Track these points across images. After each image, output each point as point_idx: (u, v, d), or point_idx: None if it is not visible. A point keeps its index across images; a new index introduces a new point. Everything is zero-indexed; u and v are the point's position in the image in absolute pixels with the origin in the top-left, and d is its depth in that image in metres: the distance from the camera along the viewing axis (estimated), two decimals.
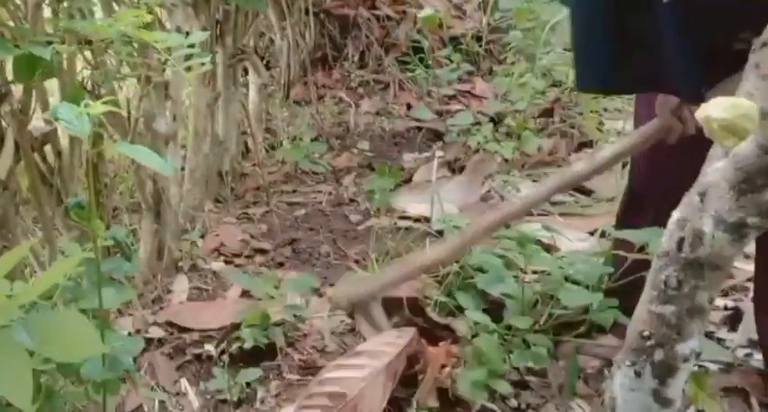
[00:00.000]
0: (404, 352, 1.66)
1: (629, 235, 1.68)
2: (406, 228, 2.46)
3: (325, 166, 3.01)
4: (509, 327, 1.73)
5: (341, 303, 1.83)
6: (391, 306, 1.82)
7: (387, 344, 1.69)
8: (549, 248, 2.14)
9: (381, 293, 1.81)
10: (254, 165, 2.91)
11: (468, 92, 3.80)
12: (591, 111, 3.22)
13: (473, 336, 1.70)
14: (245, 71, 2.98)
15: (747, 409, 1.62)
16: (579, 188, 2.78)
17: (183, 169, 2.41)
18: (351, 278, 2.15)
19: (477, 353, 1.61)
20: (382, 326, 1.77)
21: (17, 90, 1.72)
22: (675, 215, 1.04)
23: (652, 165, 1.68)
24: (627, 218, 1.76)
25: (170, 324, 1.91)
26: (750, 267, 1.76)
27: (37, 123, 1.85)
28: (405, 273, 1.83)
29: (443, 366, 1.66)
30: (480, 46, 4.01)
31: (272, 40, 3.71)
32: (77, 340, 0.66)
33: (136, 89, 2.17)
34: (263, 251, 2.37)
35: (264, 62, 3.44)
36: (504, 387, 1.60)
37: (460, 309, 1.81)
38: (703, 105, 0.98)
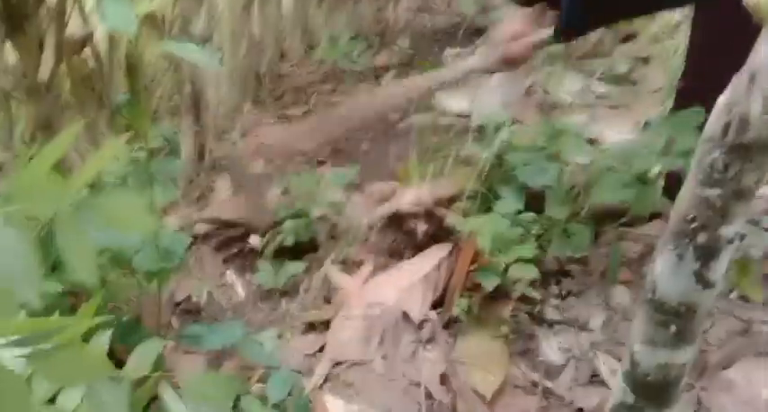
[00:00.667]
0: (443, 263, 1.68)
1: (658, 128, 1.65)
2: (448, 125, 2.43)
3: (364, 65, 2.96)
4: (550, 218, 1.73)
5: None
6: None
7: (425, 257, 1.71)
8: (593, 140, 2.10)
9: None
10: (292, 65, 2.88)
11: None
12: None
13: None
14: None
15: None
16: (626, 79, 2.71)
17: (220, 68, 2.40)
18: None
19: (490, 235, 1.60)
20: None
21: None
22: (721, 99, 1.01)
23: (702, 54, 1.64)
24: (680, 102, 1.73)
25: (214, 220, 1.95)
26: None
27: (76, 28, 1.85)
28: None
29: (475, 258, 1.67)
30: None
31: None
32: (129, 217, 0.68)
33: None
34: (303, 151, 2.38)
35: None
36: (530, 271, 1.58)
37: None
38: None
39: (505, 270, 1.59)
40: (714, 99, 1.42)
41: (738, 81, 0.98)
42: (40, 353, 0.61)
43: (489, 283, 1.57)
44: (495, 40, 1.60)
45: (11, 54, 1.67)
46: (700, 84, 1.67)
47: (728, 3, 1.51)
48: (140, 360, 0.83)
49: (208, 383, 0.98)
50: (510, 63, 1.63)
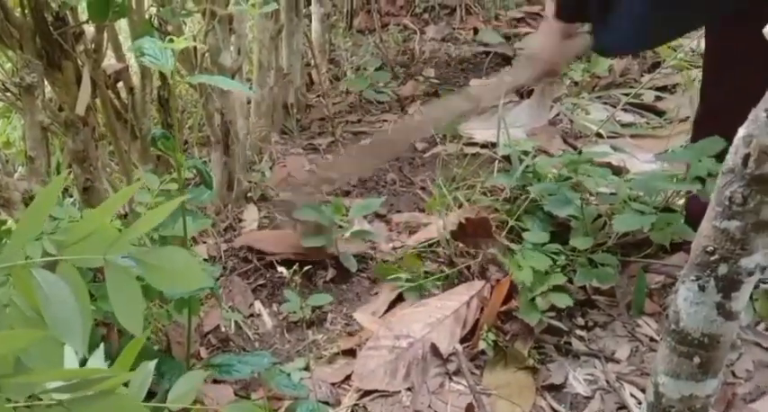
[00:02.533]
0: (473, 300, 1.70)
1: (678, 155, 1.66)
2: (473, 155, 2.45)
3: (389, 95, 3.00)
4: (574, 249, 1.74)
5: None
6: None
7: (455, 294, 1.73)
8: (618, 170, 2.11)
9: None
10: (318, 96, 2.93)
11: (537, 14, 3.69)
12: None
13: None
14: (308, 2, 2.97)
15: None
16: (651, 109, 2.72)
17: (249, 102, 2.45)
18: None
19: (529, 271, 1.62)
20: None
21: (89, 29, 1.78)
22: (741, 132, 1.02)
23: (718, 80, 1.65)
24: (698, 133, 1.74)
25: (243, 249, 1.99)
26: None
27: (109, 61, 1.92)
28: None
29: (510, 294, 1.68)
30: None
31: None
32: (181, 273, 0.71)
33: (201, 24, 2.21)
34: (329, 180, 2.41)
35: None
36: (564, 300, 1.60)
37: None
38: None
39: (532, 299, 1.61)
40: (729, 128, 1.43)
41: (757, 114, 1.00)
42: (81, 400, 0.63)
43: (532, 320, 1.59)
44: (528, 53, 1.63)
45: (48, 89, 1.73)
46: (714, 114, 1.69)
47: (741, 33, 1.54)
48: (181, 392, 0.85)
49: None
50: (546, 75, 1.65)
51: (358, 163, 1.93)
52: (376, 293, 1.86)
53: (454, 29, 3.63)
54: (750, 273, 1.05)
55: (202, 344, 1.65)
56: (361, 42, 3.40)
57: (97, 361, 0.89)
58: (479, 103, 1.78)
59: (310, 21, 2.99)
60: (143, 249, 0.74)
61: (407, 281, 1.81)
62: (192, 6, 2.19)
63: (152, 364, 0.84)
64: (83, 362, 0.81)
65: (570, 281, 1.69)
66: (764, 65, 1.45)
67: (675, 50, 3.02)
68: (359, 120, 2.87)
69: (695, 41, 2.99)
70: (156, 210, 0.73)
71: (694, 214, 1.66)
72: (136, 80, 1.98)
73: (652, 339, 1.62)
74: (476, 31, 3.59)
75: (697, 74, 2.67)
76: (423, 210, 2.22)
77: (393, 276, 1.83)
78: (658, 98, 2.76)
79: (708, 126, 1.70)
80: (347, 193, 2.35)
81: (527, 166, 1.99)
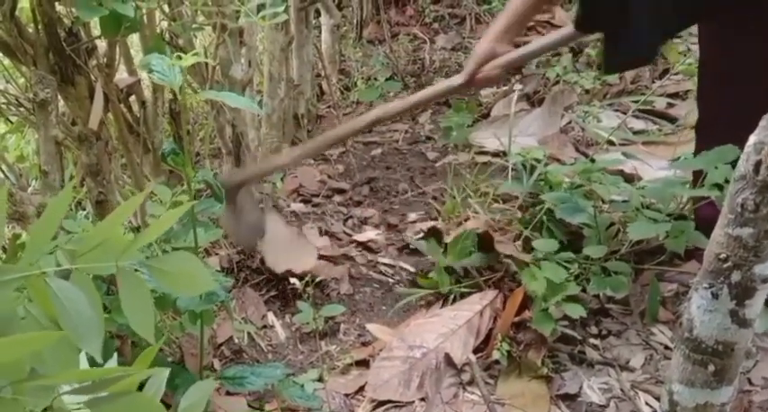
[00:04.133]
0: (486, 310, 1.69)
1: (692, 162, 1.66)
2: (484, 163, 2.45)
3: None
4: (587, 257, 1.73)
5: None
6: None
7: (468, 303, 1.73)
8: (630, 177, 2.10)
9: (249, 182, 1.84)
10: (329, 106, 2.94)
11: (548, 22, 3.69)
12: (674, 37, 3.09)
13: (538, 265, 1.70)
14: (318, 13, 2.99)
15: None
16: (663, 116, 2.71)
17: (261, 111, 2.46)
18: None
19: (543, 281, 1.62)
20: (245, 208, 1.79)
21: (102, 44, 1.79)
22: (752, 139, 1.01)
23: (718, 88, 1.65)
24: (700, 141, 1.73)
25: (256, 260, 1.99)
26: None
27: (121, 75, 1.93)
28: (267, 168, 1.90)
29: (523, 304, 1.68)
30: None
31: None
32: (192, 277, 0.73)
33: (211, 37, 2.22)
34: (341, 191, 2.42)
35: (336, 2, 3.43)
36: (578, 310, 1.60)
37: None
38: None
39: (545, 309, 1.60)
40: (727, 137, 1.43)
41: (767, 122, 0.99)
42: (100, 401, 0.64)
43: (546, 329, 1.58)
44: (469, 62, 1.64)
45: (61, 104, 1.75)
46: (712, 124, 1.68)
47: (737, 45, 1.54)
48: (192, 402, 0.85)
49: None
50: (477, 84, 1.67)
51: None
52: (390, 303, 1.86)
53: (464, 38, 3.64)
54: (764, 280, 1.05)
55: (216, 355, 1.65)
56: (372, 53, 3.41)
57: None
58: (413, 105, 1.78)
59: (320, 32, 3.01)
60: (153, 256, 0.75)
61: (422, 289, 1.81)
62: (202, 20, 2.21)
63: (166, 370, 0.84)
64: None
65: (584, 289, 1.68)
66: (759, 77, 1.47)
67: (685, 55, 3.01)
68: (370, 131, 2.87)
69: None
70: (165, 216, 0.74)
71: (704, 221, 1.65)
72: (148, 94, 2.00)
73: (666, 347, 1.61)
74: None
75: None
76: (435, 219, 2.22)
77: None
78: (670, 105, 2.75)
79: (706, 135, 1.70)
80: (359, 203, 2.36)
81: (539, 174, 1.98)
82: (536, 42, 1.68)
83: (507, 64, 1.64)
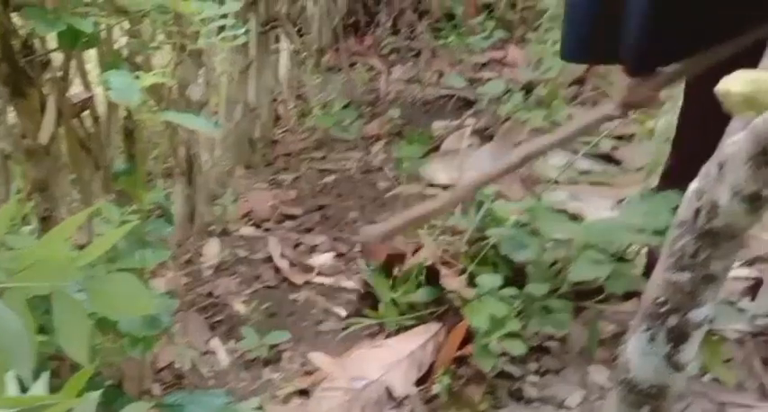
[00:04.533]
0: (429, 343, 1.71)
1: (637, 207, 1.71)
2: (434, 196, 2.48)
3: (354, 134, 3.04)
4: (530, 294, 1.76)
5: (369, 239, 1.84)
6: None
7: (412, 335, 1.74)
8: (574, 217, 2.15)
9: (399, 231, 1.84)
10: (284, 131, 2.95)
11: (501, 60, 3.78)
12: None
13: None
14: (278, 38, 3.01)
15: (763, 375, 1.64)
16: (608, 157, 2.79)
17: (217, 133, 2.46)
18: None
19: (486, 317, 1.64)
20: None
21: (57, 58, 1.77)
22: (693, 186, 1.06)
23: (698, 133, 1.68)
24: (666, 184, 1.77)
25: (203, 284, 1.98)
26: None
27: (76, 91, 1.91)
28: (416, 217, 1.85)
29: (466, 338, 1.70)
30: (514, 13, 3.98)
31: (304, 7, 3.72)
32: (131, 299, 0.72)
33: (170, 57, 2.22)
34: (292, 217, 2.42)
35: (297, 29, 3.46)
36: (518, 347, 1.62)
37: None
38: (724, 79, 1.00)
39: (486, 345, 1.62)
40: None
41: (709, 168, 1.04)
42: None
43: (486, 365, 1.60)
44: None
45: (11, 116, 1.72)
46: (688, 165, 1.72)
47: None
48: None
49: None
50: (632, 106, 1.61)
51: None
52: (335, 332, 1.86)
53: (419, 71, 3.70)
54: (699, 326, 1.09)
55: (156, 380, 1.63)
56: (329, 80, 3.44)
57: (39, 390, 0.88)
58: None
59: (280, 57, 3.02)
60: (92, 276, 0.74)
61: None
62: (162, 39, 2.21)
63: (97, 394, 0.83)
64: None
65: (525, 326, 1.71)
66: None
67: None
68: (323, 157, 2.89)
69: None
70: (108, 234, 0.74)
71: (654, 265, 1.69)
72: (102, 110, 1.98)
73: (602, 387, 1.65)
74: (440, 73, 3.66)
75: (654, 124, 2.75)
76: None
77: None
78: (615, 147, 2.84)
79: (679, 177, 1.74)
80: (309, 230, 2.36)
81: (487, 210, 2.02)
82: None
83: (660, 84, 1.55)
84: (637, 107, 1.67)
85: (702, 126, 1.65)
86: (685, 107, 1.73)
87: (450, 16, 3.91)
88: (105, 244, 0.73)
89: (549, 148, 1.77)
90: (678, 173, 1.74)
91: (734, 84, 0.99)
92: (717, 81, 1.59)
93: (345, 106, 3.23)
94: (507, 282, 1.78)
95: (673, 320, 1.09)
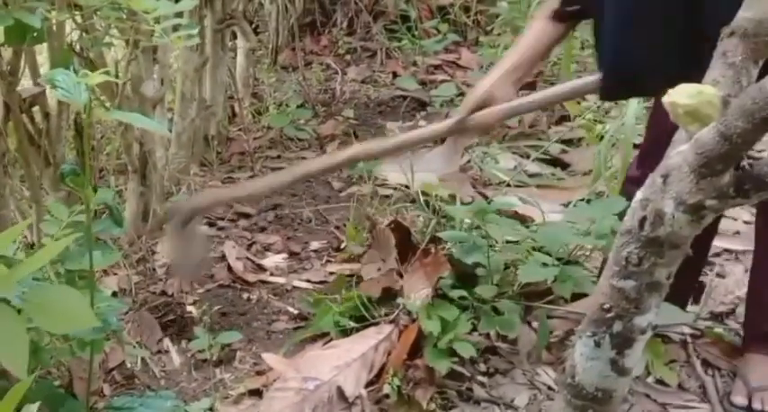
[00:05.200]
0: (381, 344, 1.72)
1: (583, 211, 1.76)
2: (386, 196, 2.51)
3: (309, 133, 3.04)
4: (480, 296, 1.80)
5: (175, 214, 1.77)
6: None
7: (364, 337, 1.75)
8: (524, 219, 2.20)
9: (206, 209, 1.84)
10: (239, 129, 2.94)
11: (454, 62, 3.83)
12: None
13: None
14: (234, 36, 2.99)
15: (704, 376, 1.70)
16: (557, 162, 2.85)
17: (170, 132, 2.44)
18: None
19: (437, 320, 1.67)
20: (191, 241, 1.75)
21: (6, 52, 1.74)
22: (638, 195, 1.09)
23: (651, 142, 1.73)
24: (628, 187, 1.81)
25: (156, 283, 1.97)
26: (718, 243, 1.85)
27: (25, 84, 1.88)
28: (223, 197, 1.89)
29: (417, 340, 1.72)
30: (468, 16, 4.02)
31: (261, 5, 3.71)
32: (71, 313, 0.71)
33: (124, 52, 2.19)
34: (246, 215, 2.42)
35: (253, 27, 3.44)
36: (467, 349, 1.65)
37: None
38: (670, 91, 1.03)
39: (434, 345, 1.65)
40: None
41: (654, 179, 1.07)
42: None
43: (440, 366, 1.63)
44: (464, 106, 1.58)
45: None
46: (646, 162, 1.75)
47: None
48: None
49: None
50: (467, 132, 1.61)
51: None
52: (287, 333, 1.87)
53: (374, 71, 3.72)
54: (643, 332, 1.13)
55: (106, 380, 1.61)
56: (285, 79, 3.43)
57: None
58: (395, 149, 1.76)
59: (236, 54, 3.01)
60: (33, 286, 0.72)
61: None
62: (115, 34, 2.18)
63: (34, 407, 0.81)
64: None
65: (475, 327, 1.74)
66: None
67: (581, 105, 3.18)
68: (278, 157, 2.89)
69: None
70: (52, 244, 0.73)
71: None
72: (53, 105, 1.94)
73: (550, 388, 1.69)
74: (395, 75, 3.69)
75: (601, 129, 2.81)
76: (337, 249, 2.25)
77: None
78: (564, 151, 2.90)
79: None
80: (263, 229, 2.36)
81: (440, 211, 2.05)
82: (541, 93, 1.61)
83: (505, 115, 1.55)
84: (474, 133, 1.69)
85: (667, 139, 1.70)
86: (655, 125, 1.77)
87: (404, 18, 3.94)
88: (49, 254, 0.72)
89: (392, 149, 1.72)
90: (632, 177, 1.78)
91: (679, 96, 1.03)
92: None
93: (300, 105, 3.23)
94: (458, 285, 1.81)
95: (618, 326, 1.13)
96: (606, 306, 1.13)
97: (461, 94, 3.31)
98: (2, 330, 0.69)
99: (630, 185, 1.73)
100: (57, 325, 0.72)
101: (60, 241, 0.71)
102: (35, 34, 1.65)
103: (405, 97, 3.44)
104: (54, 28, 1.82)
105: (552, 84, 3.35)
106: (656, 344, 1.70)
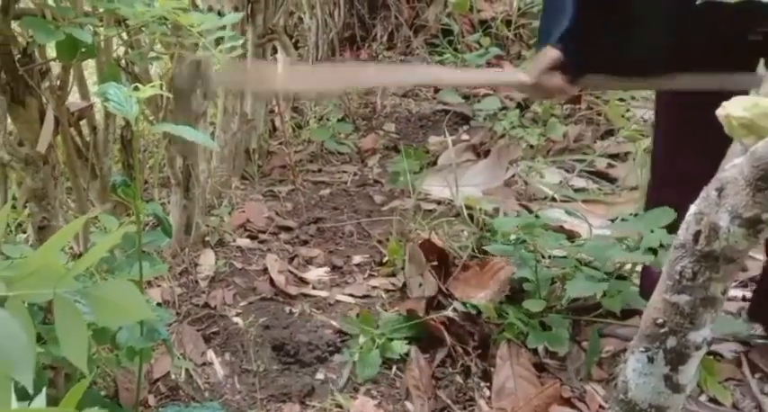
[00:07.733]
0: None
1: (630, 225, 1.72)
2: (429, 210, 2.49)
3: (350, 147, 3.05)
4: (527, 311, 1.77)
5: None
6: None
7: None
8: (570, 234, 2.16)
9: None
10: (280, 143, 2.96)
11: None
12: (617, 99, 3.23)
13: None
14: (275, 50, 3.01)
15: (759, 395, 1.65)
16: (603, 176, 2.80)
17: (217, 146, 2.46)
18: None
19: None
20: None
21: (56, 67, 1.77)
22: (693, 209, 1.06)
23: (668, 153, 1.71)
24: (652, 199, 1.79)
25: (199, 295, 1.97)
26: None
27: (74, 99, 1.91)
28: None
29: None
30: (510, 30, 4.01)
31: (301, 19, 3.74)
32: (127, 306, 0.72)
33: (168, 67, 2.22)
34: (287, 228, 2.42)
35: (293, 41, 3.47)
36: None
37: None
38: (724, 103, 1.01)
39: None
40: (681, 199, 1.45)
41: (708, 192, 1.05)
42: None
43: None
44: (536, 65, 1.58)
45: (9, 124, 1.72)
46: (665, 190, 1.74)
47: (697, 116, 1.60)
48: None
49: None
50: (542, 92, 1.62)
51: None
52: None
53: (415, 86, 3.72)
54: (698, 348, 1.09)
55: (151, 391, 1.62)
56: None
57: (40, 403, 0.88)
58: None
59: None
60: (86, 283, 0.74)
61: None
62: (160, 49, 2.21)
63: (94, 411, 0.82)
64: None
65: (523, 343, 1.71)
66: (716, 148, 1.51)
67: (629, 120, 3.14)
68: (319, 170, 2.89)
69: (646, 111, 3.11)
70: (103, 242, 0.74)
71: (648, 285, 1.70)
72: (99, 119, 1.97)
73: (600, 406, 1.65)
74: (436, 89, 3.68)
75: (648, 143, 2.77)
76: (380, 263, 2.24)
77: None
78: (610, 165, 2.85)
79: (658, 200, 1.76)
80: (305, 242, 2.36)
81: (484, 225, 2.03)
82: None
83: (576, 84, 1.55)
84: (544, 93, 1.67)
85: (677, 156, 1.67)
86: (662, 138, 1.76)
87: (446, 32, 3.94)
88: (102, 250, 0.73)
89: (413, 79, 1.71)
90: (657, 195, 1.77)
91: (734, 108, 1.00)
92: (685, 109, 1.61)
93: (341, 120, 3.24)
94: (505, 300, 1.79)
95: (672, 342, 1.10)
96: (660, 321, 1.10)
97: (505, 109, 3.29)
98: (64, 324, 0.71)
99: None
100: (114, 317, 0.73)
101: (113, 236, 0.72)
102: (85, 49, 1.68)
103: (447, 111, 3.43)
104: (102, 44, 1.85)
105: None
106: (710, 362, 1.65)
